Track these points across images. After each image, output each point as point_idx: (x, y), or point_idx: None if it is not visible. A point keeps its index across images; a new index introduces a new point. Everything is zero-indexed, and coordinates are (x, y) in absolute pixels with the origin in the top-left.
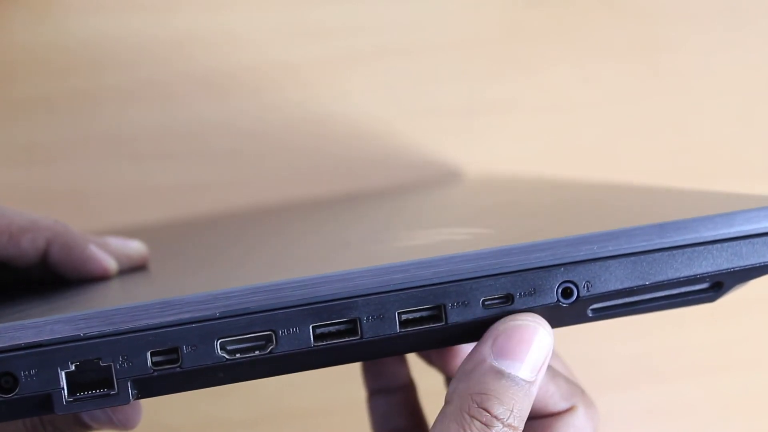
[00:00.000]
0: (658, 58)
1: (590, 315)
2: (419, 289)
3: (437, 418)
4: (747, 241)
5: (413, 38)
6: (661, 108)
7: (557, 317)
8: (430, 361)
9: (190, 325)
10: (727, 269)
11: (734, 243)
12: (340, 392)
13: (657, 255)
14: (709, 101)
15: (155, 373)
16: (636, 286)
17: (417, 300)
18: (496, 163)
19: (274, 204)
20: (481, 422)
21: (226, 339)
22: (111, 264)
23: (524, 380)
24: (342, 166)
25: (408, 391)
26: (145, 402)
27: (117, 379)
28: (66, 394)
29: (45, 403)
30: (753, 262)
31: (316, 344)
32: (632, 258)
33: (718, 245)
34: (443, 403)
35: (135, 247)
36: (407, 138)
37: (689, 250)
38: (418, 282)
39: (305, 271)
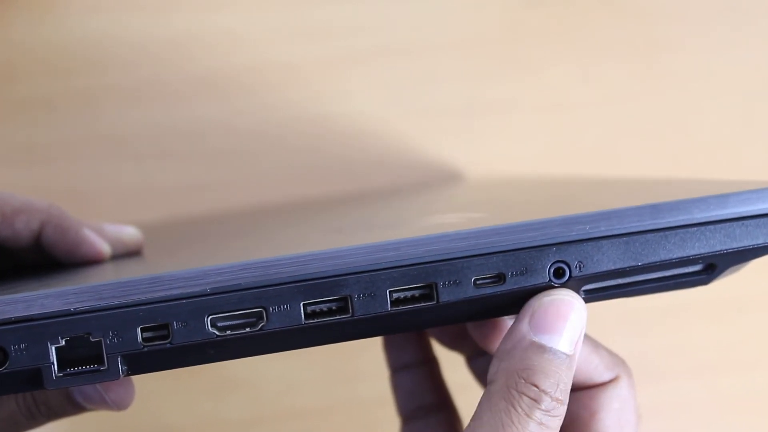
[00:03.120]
0: (658, 58)
1: (583, 296)
2: (411, 268)
3: (483, 397)
4: (740, 222)
5: (413, 38)
6: (661, 108)
7: None
8: (451, 344)
9: (181, 301)
10: (720, 251)
11: (727, 224)
12: (340, 392)
13: (650, 236)
14: (709, 101)
15: (145, 349)
16: (628, 267)
17: (408, 278)
18: (496, 163)
19: (274, 204)
20: (529, 397)
21: (217, 315)
22: (104, 248)
23: (565, 353)
24: (342, 166)
25: (431, 366)
26: (145, 402)
27: (107, 355)
28: (56, 369)
29: (35, 378)
30: (746, 244)
31: (307, 322)
32: (625, 238)
33: (711, 227)
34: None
35: (130, 232)
36: (407, 138)
37: (682, 231)
38: (410, 260)
39: (297, 248)
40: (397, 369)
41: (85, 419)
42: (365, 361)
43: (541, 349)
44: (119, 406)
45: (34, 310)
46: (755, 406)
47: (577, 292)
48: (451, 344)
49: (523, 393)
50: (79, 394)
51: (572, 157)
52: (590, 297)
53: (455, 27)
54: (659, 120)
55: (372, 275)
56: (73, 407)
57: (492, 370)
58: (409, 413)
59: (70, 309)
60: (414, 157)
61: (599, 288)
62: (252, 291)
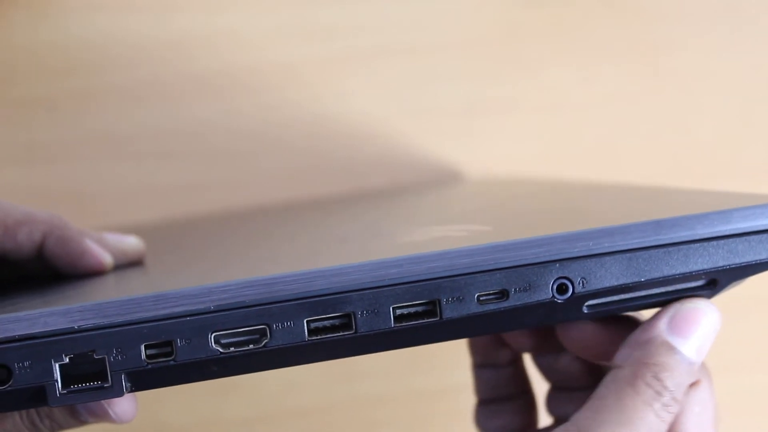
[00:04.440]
0: (658, 58)
1: (585, 311)
2: (414, 284)
3: (607, 379)
4: (743, 238)
5: (413, 38)
6: (661, 108)
7: (552, 313)
8: (533, 348)
9: (185, 319)
10: (723, 266)
11: (730, 240)
12: (340, 392)
13: (653, 252)
14: (709, 101)
15: (149, 366)
16: (631, 283)
17: (412, 295)
18: (496, 163)
19: (274, 204)
20: (654, 390)
21: (221, 332)
22: (107, 258)
23: (691, 360)
24: (342, 166)
25: (516, 363)
26: (145, 401)
27: (111, 372)
28: (60, 386)
29: (39, 395)
30: (749, 260)
31: (310, 338)
32: (628, 254)
33: (714, 242)
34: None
35: (131, 242)
36: (407, 138)
37: (685, 247)
38: (413, 277)
39: (300, 265)
40: (480, 365)
41: None
42: (365, 361)
43: (673, 350)
44: (122, 419)
45: (38, 328)
46: (755, 407)
47: (580, 307)
48: (533, 348)
49: (649, 385)
50: (83, 408)
51: (572, 157)
52: (592, 312)
53: (455, 27)
54: (659, 120)
55: (375, 292)
56: (77, 420)
57: (621, 355)
58: (486, 399)
59: (74, 327)
60: (414, 157)
61: (601, 303)
62: (255, 308)
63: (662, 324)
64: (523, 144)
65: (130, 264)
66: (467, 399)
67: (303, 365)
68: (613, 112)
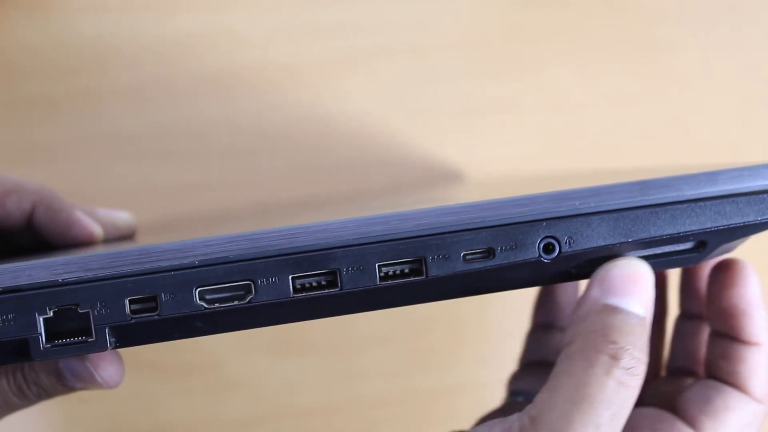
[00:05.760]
0: (658, 58)
1: (574, 272)
2: (400, 242)
3: (559, 359)
4: (731, 200)
5: (414, 38)
6: (661, 108)
7: (539, 273)
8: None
9: (169, 273)
10: (711, 228)
11: (718, 202)
12: (340, 392)
13: (639, 212)
14: (709, 101)
15: (133, 321)
16: (618, 243)
17: (397, 252)
18: (496, 163)
19: (275, 203)
20: (609, 355)
21: (205, 288)
22: (96, 230)
23: (638, 315)
24: (342, 166)
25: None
26: (145, 401)
27: (95, 326)
28: (44, 339)
29: (22, 349)
30: (737, 222)
31: (295, 295)
32: (615, 214)
33: (702, 203)
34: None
35: (123, 217)
36: (407, 138)
37: (672, 207)
38: (399, 234)
39: (287, 222)
40: (537, 327)
41: (83, 418)
42: (365, 360)
43: (616, 310)
44: (109, 384)
45: (22, 281)
46: None
47: (568, 268)
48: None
49: (601, 351)
50: (69, 372)
51: (572, 157)
52: (581, 273)
53: (455, 27)
54: (659, 120)
55: (361, 249)
56: (64, 386)
57: (568, 335)
58: (527, 362)
59: (57, 280)
60: (414, 157)
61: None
62: (240, 264)
63: (595, 291)
64: (524, 144)
65: (121, 238)
66: (467, 399)
67: (302, 366)
68: (613, 112)
